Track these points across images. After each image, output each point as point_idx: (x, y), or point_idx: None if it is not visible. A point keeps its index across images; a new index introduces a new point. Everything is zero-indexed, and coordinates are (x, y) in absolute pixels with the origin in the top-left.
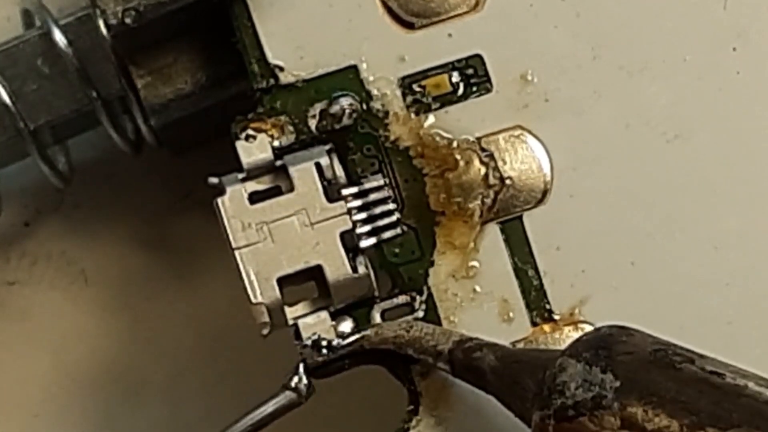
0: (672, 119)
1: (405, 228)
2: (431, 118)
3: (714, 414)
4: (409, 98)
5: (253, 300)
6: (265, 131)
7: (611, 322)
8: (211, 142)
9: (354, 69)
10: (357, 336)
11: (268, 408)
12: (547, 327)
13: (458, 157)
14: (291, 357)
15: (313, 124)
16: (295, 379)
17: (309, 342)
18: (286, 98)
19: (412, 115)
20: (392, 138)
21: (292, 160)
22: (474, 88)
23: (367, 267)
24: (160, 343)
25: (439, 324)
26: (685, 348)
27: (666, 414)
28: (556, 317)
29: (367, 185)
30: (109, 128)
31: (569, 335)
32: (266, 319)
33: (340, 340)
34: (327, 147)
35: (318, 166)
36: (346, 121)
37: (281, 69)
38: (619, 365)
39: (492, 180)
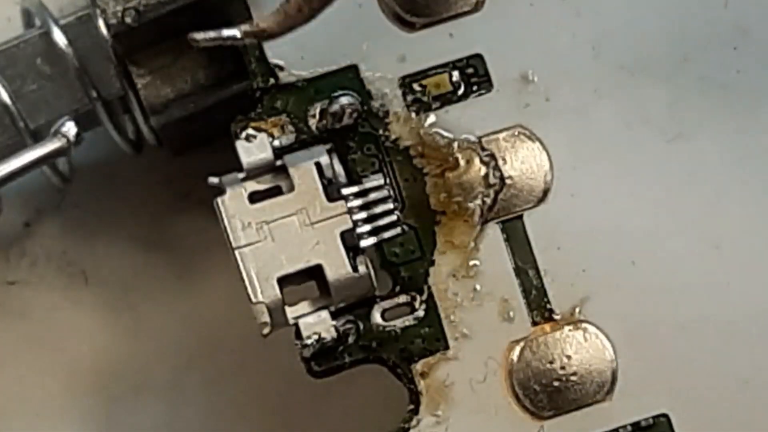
0: (672, 119)
1: (405, 227)
2: (432, 118)
3: None
4: (410, 98)
5: (254, 300)
6: (265, 131)
7: (611, 321)
8: (211, 142)
9: (354, 68)
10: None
11: (37, 151)
12: (547, 326)
13: (459, 156)
14: (291, 357)
15: (313, 123)
16: (65, 127)
17: (309, 341)
18: (286, 98)
19: (413, 115)
20: (392, 137)
21: (292, 159)
22: (474, 88)
23: (367, 266)
24: (161, 342)
25: (440, 324)
26: None
27: None
28: (557, 317)
29: (368, 185)
30: (109, 128)
31: (570, 334)
32: (266, 318)
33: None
34: (327, 146)
35: (318, 165)
36: (346, 120)
37: (281, 68)
38: None
39: (492, 179)
